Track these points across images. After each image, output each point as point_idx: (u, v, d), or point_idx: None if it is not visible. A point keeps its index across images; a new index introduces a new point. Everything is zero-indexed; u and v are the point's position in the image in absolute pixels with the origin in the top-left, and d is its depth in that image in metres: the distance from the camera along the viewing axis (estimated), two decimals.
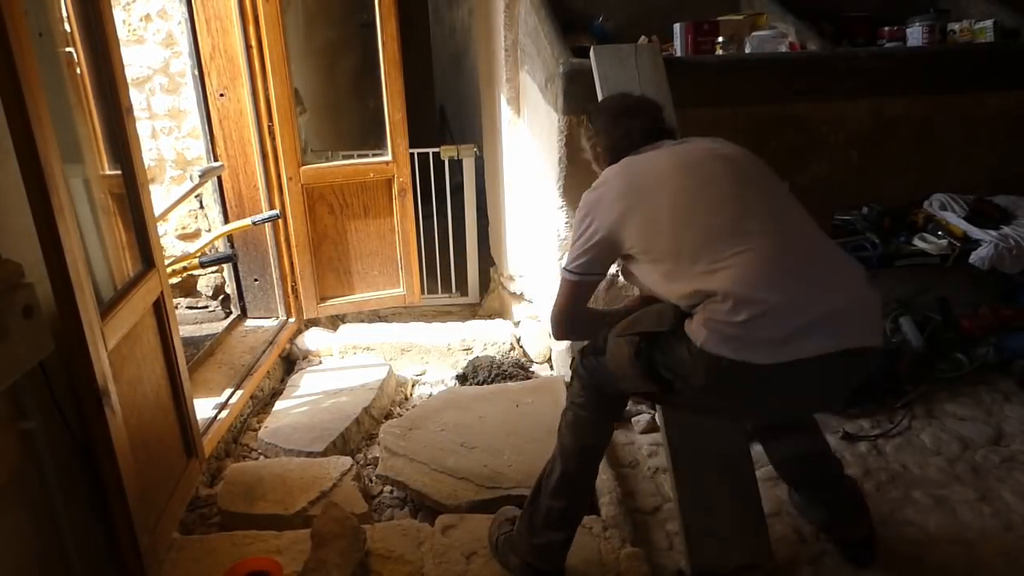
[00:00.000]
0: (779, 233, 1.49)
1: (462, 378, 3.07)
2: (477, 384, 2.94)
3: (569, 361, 2.91)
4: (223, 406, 2.64)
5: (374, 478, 2.38)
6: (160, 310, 2.02)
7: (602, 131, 1.87)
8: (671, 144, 1.77)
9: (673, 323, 1.50)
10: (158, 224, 2.34)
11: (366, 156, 3.51)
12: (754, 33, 3.02)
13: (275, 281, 3.36)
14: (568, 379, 2.01)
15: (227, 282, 3.59)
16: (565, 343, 3.00)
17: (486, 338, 3.30)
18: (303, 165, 3.23)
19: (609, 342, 1.67)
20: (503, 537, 1.89)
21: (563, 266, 1.77)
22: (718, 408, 1.67)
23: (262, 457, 2.56)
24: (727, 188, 1.58)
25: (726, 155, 1.68)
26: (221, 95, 3.06)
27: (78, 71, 1.88)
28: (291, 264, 3.36)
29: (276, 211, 3.13)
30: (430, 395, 3.01)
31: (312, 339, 3.37)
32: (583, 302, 1.79)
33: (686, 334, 1.44)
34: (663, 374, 1.53)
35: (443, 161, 3.72)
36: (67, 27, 1.82)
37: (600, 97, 2.38)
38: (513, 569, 1.83)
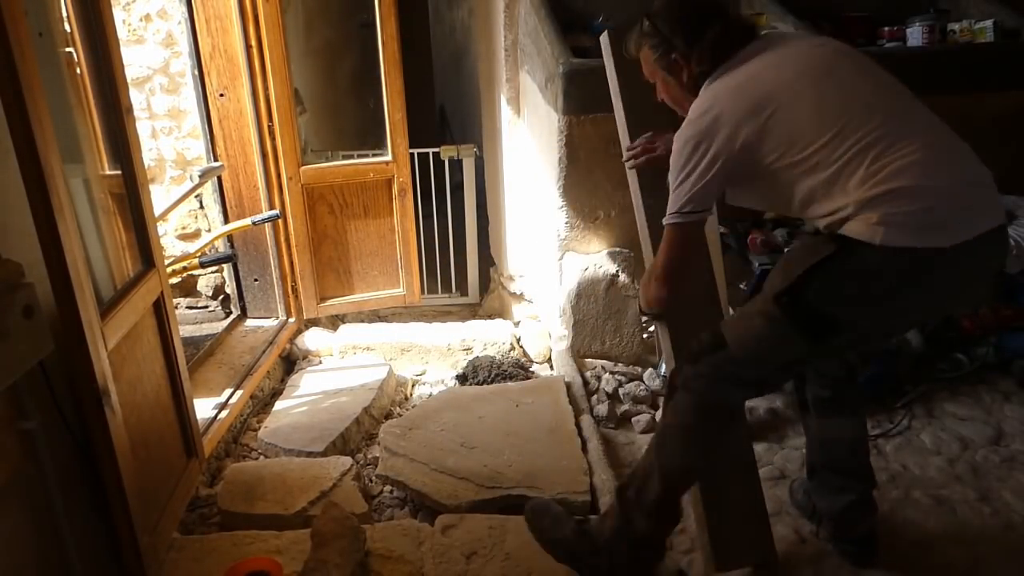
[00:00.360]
0: (921, 122, 1.55)
1: (462, 378, 3.07)
2: (477, 384, 2.94)
3: (569, 362, 2.91)
4: (223, 406, 2.64)
5: (374, 478, 2.38)
6: (160, 310, 2.02)
7: (684, 48, 1.62)
8: (769, 46, 1.60)
9: (831, 247, 1.46)
10: (158, 224, 2.34)
11: (366, 156, 3.51)
12: None
13: (275, 281, 3.36)
14: (664, 398, 1.87)
15: (227, 282, 3.59)
16: (564, 343, 3.00)
17: (486, 338, 3.30)
18: (303, 165, 3.23)
19: (730, 330, 1.61)
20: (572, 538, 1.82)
21: (670, 213, 1.60)
22: (890, 318, 1.57)
23: (262, 457, 2.56)
24: (864, 88, 1.57)
25: (842, 51, 1.62)
26: (221, 95, 3.06)
27: (78, 71, 1.88)
28: (291, 264, 3.36)
29: (276, 211, 3.13)
30: (430, 395, 3.01)
31: (312, 339, 3.37)
32: (697, 245, 1.66)
33: (853, 248, 1.42)
34: (827, 310, 1.49)
35: (443, 161, 3.72)
36: (67, 27, 1.82)
37: (614, 85, 2.20)
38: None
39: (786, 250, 1.91)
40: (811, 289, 1.49)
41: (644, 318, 1.89)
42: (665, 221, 1.63)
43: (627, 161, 2.10)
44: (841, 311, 1.51)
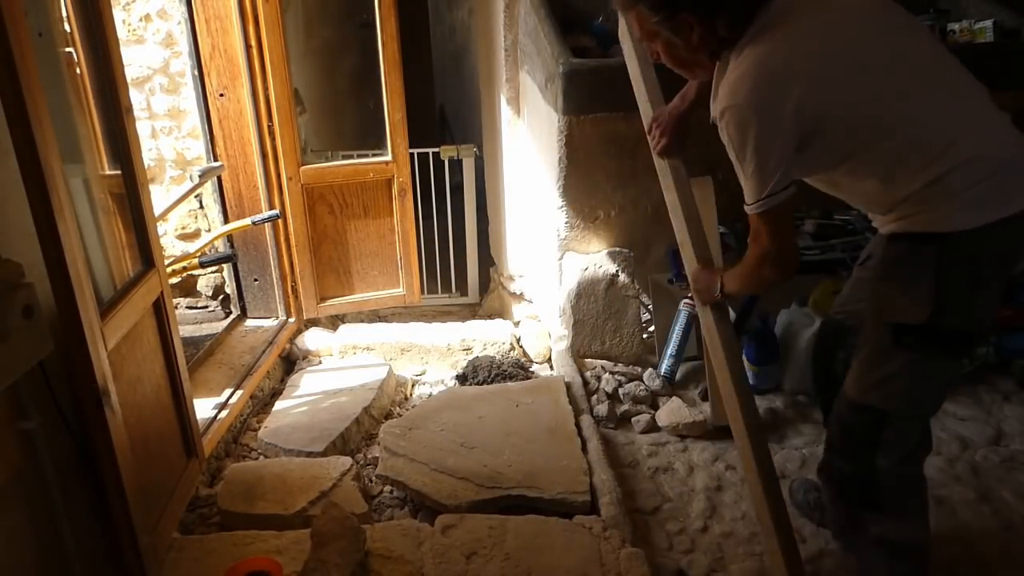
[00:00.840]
0: (967, 91, 1.44)
1: (462, 378, 3.07)
2: (477, 384, 2.94)
3: (569, 362, 2.91)
4: (223, 406, 2.64)
5: (374, 478, 2.38)
6: (160, 310, 2.02)
7: (700, 10, 1.43)
8: (796, 10, 1.43)
9: (929, 252, 1.38)
10: (158, 224, 2.34)
11: (366, 156, 3.51)
12: None
13: (275, 281, 3.36)
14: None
15: (227, 282, 3.59)
16: (564, 343, 3.00)
17: (486, 338, 3.30)
18: (303, 165, 3.23)
19: (880, 396, 1.50)
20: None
21: (757, 200, 1.45)
22: (996, 297, 1.49)
23: (262, 457, 2.56)
24: (922, 56, 1.45)
25: (890, 7, 1.48)
26: (221, 95, 3.06)
27: (78, 71, 1.88)
28: (291, 264, 3.36)
29: (276, 211, 3.13)
30: (430, 395, 3.01)
31: (312, 339, 3.37)
32: (792, 223, 1.51)
33: (950, 244, 1.36)
34: (968, 330, 1.43)
35: (443, 161, 3.72)
36: (67, 27, 1.82)
37: (634, 66, 2.00)
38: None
39: (859, 267, 1.82)
40: (947, 312, 1.39)
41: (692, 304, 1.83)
42: (754, 210, 1.47)
43: (655, 150, 1.98)
44: (975, 313, 1.43)
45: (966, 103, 1.43)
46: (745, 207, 1.50)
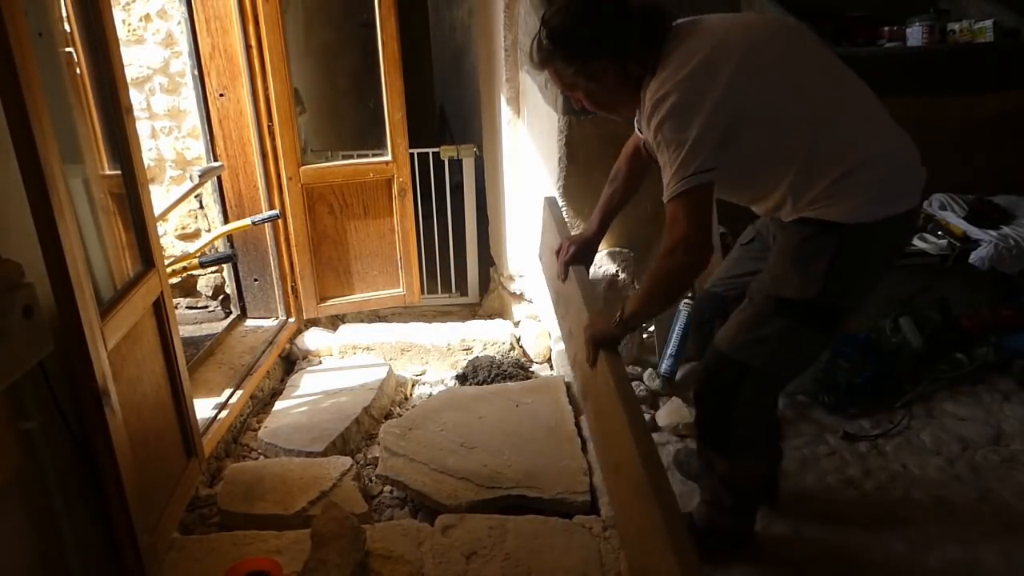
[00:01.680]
0: (865, 96, 1.57)
1: (462, 378, 3.07)
2: (477, 384, 2.94)
3: (569, 362, 2.91)
4: (223, 406, 2.64)
5: (374, 478, 2.38)
6: (160, 310, 2.02)
7: (608, 55, 1.52)
8: (703, 23, 1.54)
9: (831, 240, 1.50)
10: (158, 224, 2.34)
11: (366, 156, 3.50)
12: None
13: (275, 281, 3.36)
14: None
15: (227, 282, 3.59)
16: (563, 343, 3.00)
17: (486, 338, 3.30)
18: (303, 165, 3.23)
19: (747, 354, 1.61)
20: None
21: (677, 183, 1.47)
22: (874, 285, 1.62)
23: (262, 457, 2.56)
24: (822, 62, 1.57)
25: (785, 27, 1.63)
26: (221, 95, 3.06)
27: (78, 71, 1.88)
28: (291, 264, 3.36)
29: (276, 211, 3.13)
30: (430, 395, 3.01)
31: (312, 339, 3.37)
32: (711, 217, 1.54)
33: (850, 232, 1.48)
34: (840, 306, 1.57)
35: (443, 161, 3.72)
36: (67, 27, 1.82)
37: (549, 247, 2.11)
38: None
39: (745, 245, 1.93)
40: (828, 294, 1.53)
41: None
42: (676, 191, 1.48)
43: (557, 276, 2.10)
44: (853, 299, 1.59)
45: (865, 107, 1.56)
46: (664, 197, 1.52)
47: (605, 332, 1.73)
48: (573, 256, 2.00)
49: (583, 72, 1.56)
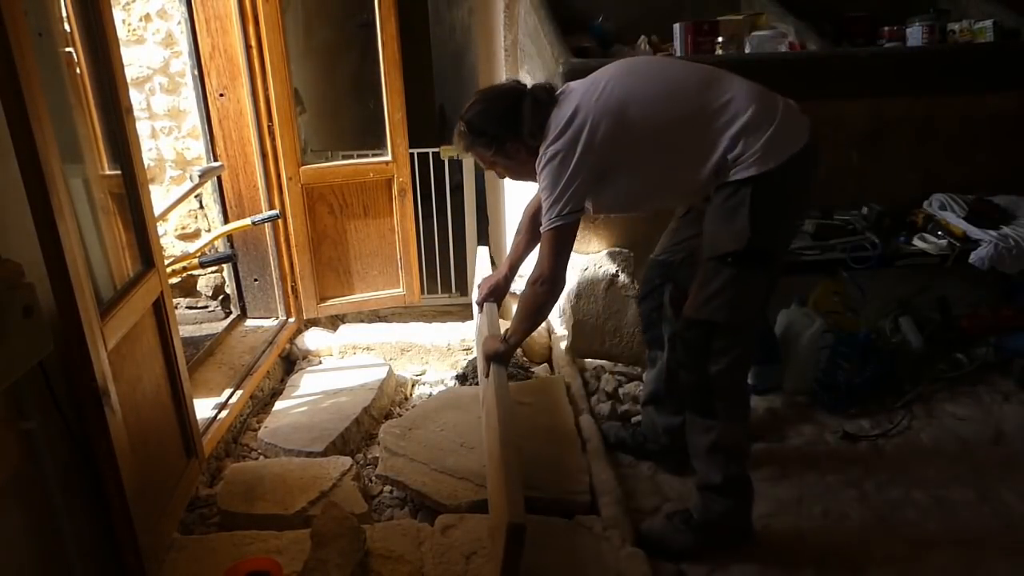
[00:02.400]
0: (739, 82, 1.85)
1: (462, 378, 3.06)
2: (477, 384, 2.94)
3: (569, 362, 2.91)
4: (223, 406, 2.64)
5: (374, 478, 2.37)
6: (160, 310, 2.02)
7: (513, 136, 1.90)
8: (579, 87, 1.89)
9: (744, 191, 1.73)
10: (158, 224, 2.34)
11: (366, 156, 3.51)
12: (754, 33, 3.02)
13: (275, 281, 3.36)
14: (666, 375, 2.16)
15: (227, 282, 3.59)
16: (564, 343, 3.00)
17: None
18: (303, 165, 3.22)
19: (711, 311, 1.81)
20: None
21: (552, 219, 1.82)
22: (797, 222, 1.94)
23: (262, 457, 2.56)
24: (686, 69, 1.92)
25: (647, 58, 2.05)
26: (221, 95, 3.06)
27: (78, 71, 1.88)
28: (291, 264, 3.36)
29: (276, 211, 3.13)
30: (430, 395, 3.01)
31: (312, 339, 3.37)
32: (571, 246, 1.90)
33: (759, 182, 1.72)
34: (771, 245, 1.80)
35: (443, 161, 3.72)
36: (67, 27, 1.82)
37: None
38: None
39: (682, 217, 2.18)
40: (757, 237, 1.74)
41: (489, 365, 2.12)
42: (547, 227, 1.83)
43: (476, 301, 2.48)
44: (780, 236, 1.84)
45: (734, 89, 1.82)
46: (541, 230, 1.86)
47: (494, 349, 2.07)
48: (485, 297, 2.40)
49: (500, 152, 1.94)
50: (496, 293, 2.41)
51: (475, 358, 3.14)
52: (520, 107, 1.88)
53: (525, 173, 1.98)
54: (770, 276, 1.88)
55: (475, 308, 2.55)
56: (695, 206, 2.05)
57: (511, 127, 1.88)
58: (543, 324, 3.31)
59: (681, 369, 1.96)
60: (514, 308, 3.59)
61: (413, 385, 3.14)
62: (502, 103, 1.91)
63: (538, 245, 1.96)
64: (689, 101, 1.80)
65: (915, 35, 3.08)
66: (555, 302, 1.96)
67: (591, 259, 2.90)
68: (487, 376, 2.09)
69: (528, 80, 3.11)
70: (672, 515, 2.04)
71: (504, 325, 2.25)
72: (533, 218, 2.22)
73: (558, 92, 1.92)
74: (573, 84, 1.92)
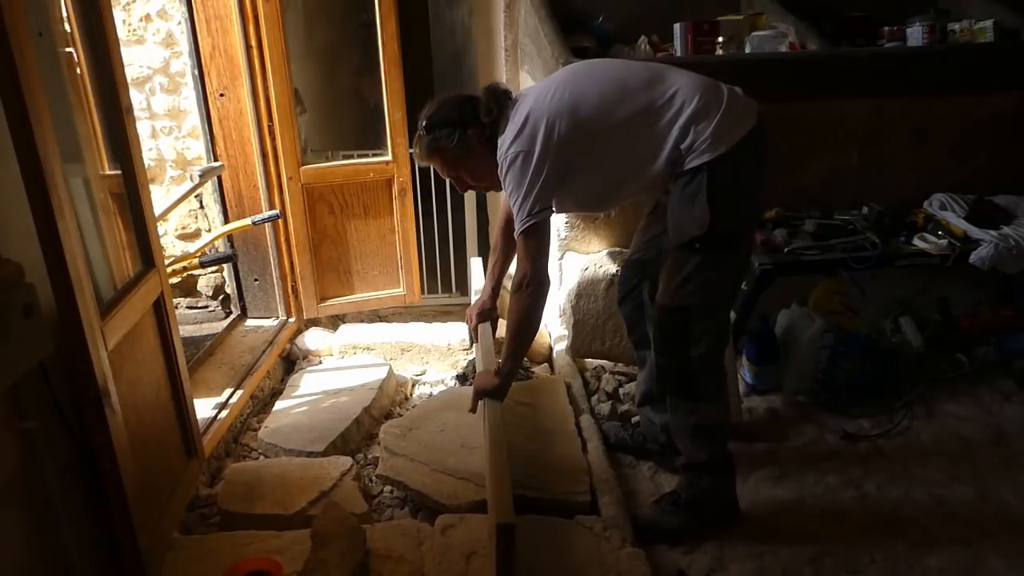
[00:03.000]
0: (687, 75, 1.90)
1: (462, 378, 3.06)
2: None
3: (569, 362, 2.91)
4: (223, 406, 2.64)
5: (374, 478, 2.37)
6: (160, 310, 2.02)
7: (471, 117, 1.92)
8: (532, 91, 1.93)
9: (700, 178, 1.78)
10: (158, 224, 2.34)
11: (366, 156, 3.50)
12: (754, 33, 3.02)
13: (275, 281, 3.36)
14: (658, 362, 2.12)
15: (227, 282, 3.59)
16: (564, 343, 3.00)
17: None
18: (303, 165, 3.22)
19: (683, 296, 1.86)
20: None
21: (523, 220, 1.83)
22: (755, 202, 1.96)
23: (262, 457, 2.56)
24: (634, 67, 1.97)
25: (594, 60, 2.04)
26: (221, 95, 3.06)
27: (78, 71, 1.88)
28: (291, 264, 3.36)
29: (276, 211, 3.13)
30: (430, 395, 3.01)
31: (312, 339, 3.37)
32: (549, 242, 1.91)
33: (713, 167, 1.78)
34: (734, 227, 1.84)
35: None
36: (67, 27, 1.82)
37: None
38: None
39: (650, 214, 2.23)
40: (719, 220, 1.78)
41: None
42: (520, 230, 1.85)
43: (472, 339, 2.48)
44: (741, 217, 1.87)
45: (681, 81, 1.86)
46: (515, 233, 1.88)
47: (485, 385, 2.03)
48: (476, 321, 2.41)
49: (462, 144, 1.94)
50: (484, 315, 2.42)
51: (475, 358, 3.14)
52: (476, 98, 1.93)
53: (487, 176, 1.98)
54: (738, 257, 1.94)
55: (469, 337, 2.57)
56: (660, 201, 2.08)
57: (470, 113, 1.92)
58: (542, 324, 3.31)
59: (661, 356, 2.01)
60: None
61: (413, 385, 3.14)
62: (458, 97, 1.97)
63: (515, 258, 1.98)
64: (637, 98, 1.83)
65: (915, 35, 3.08)
66: (544, 305, 1.95)
67: (591, 259, 2.90)
68: (472, 410, 2.10)
69: (528, 80, 3.12)
70: (659, 500, 2.11)
71: (502, 328, 2.23)
72: (506, 235, 2.27)
73: (516, 94, 1.97)
74: (527, 88, 1.97)
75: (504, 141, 1.87)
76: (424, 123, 1.99)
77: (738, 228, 1.88)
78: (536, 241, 1.86)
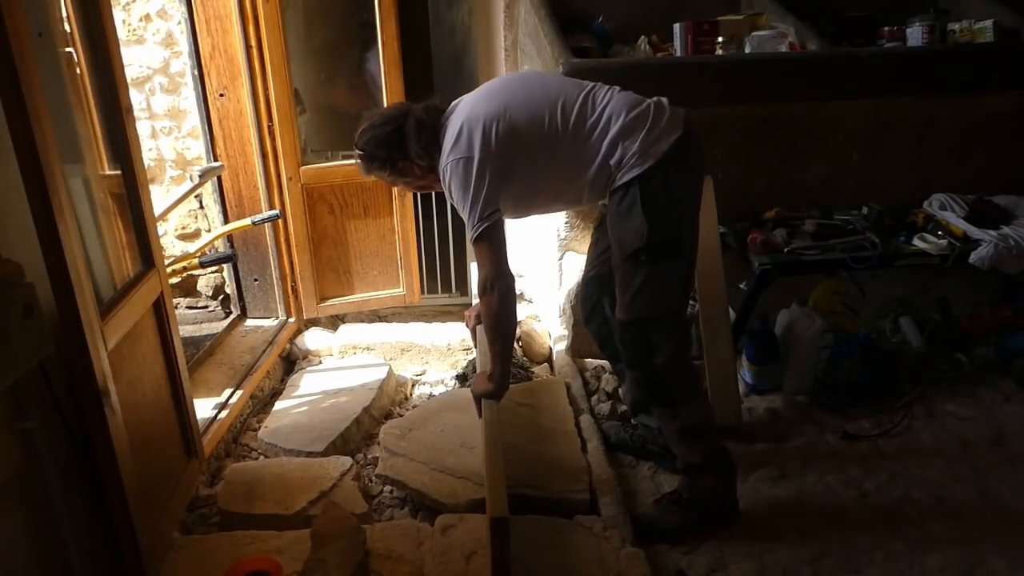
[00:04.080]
0: (605, 92, 1.94)
1: (462, 378, 3.06)
2: None
3: (568, 362, 2.91)
4: (223, 406, 2.64)
5: (374, 478, 2.38)
6: (160, 310, 2.02)
7: (402, 156, 1.95)
8: (462, 103, 1.96)
9: (633, 192, 1.84)
10: (158, 224, 2.34)
11: None
12: (754, 33, 3.03)
13: (275, 281, 3.36)
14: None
15: (227, 282, 3.59)
16: (564, 343, 3.00)
17: None
18: (303, 165, 3.22)
19: (639, 309, 1.91)
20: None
21: (475, 225, 1.84)
22: (693, 207, 1.98)
23: (262, 457, 2.56)
24: (552, 79, 2.06)
25: (516, 73, 2.09)
26: (221, 95, 3.06)
27: (78, 71, 1.88)
28: (291, 264, 3.36)
29: (276, 211, 3.13)
30: (430, 395, 3.01)
31: (312, 339, 3.37)
32: (505, 243, 1.93)
33: (644, 179, 1.83)
34: (674, 231, 1.88)
35: None
36: (67, 27, 1.82)
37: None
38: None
39: (598, 228, 2.27)
40: (656, 230, 1.84)
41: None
42: (474, 236, 1.86)
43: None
44: (679, 223, 1.91)
45: (616, 99, 1.91)
46: (468, 241, 1.90)
47: (482, 389, 2.04)
48: (475, 321, 2.38)
49: (395, 172, 2.00)
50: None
51: (475, 357, 3.14)
52: (404, 128, 1.94)
53: (427, 185, 2.07)
54: (684, 260, 1.97)
55: (471, 337, 2.58)
56: (603, 215, 2.11)
57: (397, 148, 1.95)
58: (543, 324, 3.31)
59: (630, 370, 2.07)
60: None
61: (413, 385, 3.14)
62: (385, 128, 1.96)
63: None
64: (568, 114, 1.87)
65: (915, 35, 3.08)
66: (514, 300, 1.96)
67: None
68: (478, 415, 2.10)
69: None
70: (660, 499, 2.12)
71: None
72: None
73: (449, 108, 1.99)
74: (463, 97, 1.99)
75: (443, 152, 1.90)
76: (358, 151, 2.01)
77: (678, 234, 1.91)
78: (491, 244, 1.88)
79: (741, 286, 2.70)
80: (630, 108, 1.87)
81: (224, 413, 2.60)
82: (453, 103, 2.00)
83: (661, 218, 1.84)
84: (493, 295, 1.91)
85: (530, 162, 1.90)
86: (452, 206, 3.74)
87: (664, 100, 1.93)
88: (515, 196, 1.94)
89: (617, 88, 1.95)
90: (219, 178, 3.18)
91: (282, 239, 3.30)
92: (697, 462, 2.02)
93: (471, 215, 1.85)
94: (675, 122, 1.89)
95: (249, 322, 3.41)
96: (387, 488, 2.35)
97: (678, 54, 3.01)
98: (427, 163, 1.96)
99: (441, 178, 1.92)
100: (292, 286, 3.39)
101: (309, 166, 3.25)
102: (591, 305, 2.29)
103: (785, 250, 2.61)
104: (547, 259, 3.12)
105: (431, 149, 1.94)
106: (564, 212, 2.90)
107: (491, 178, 1.84)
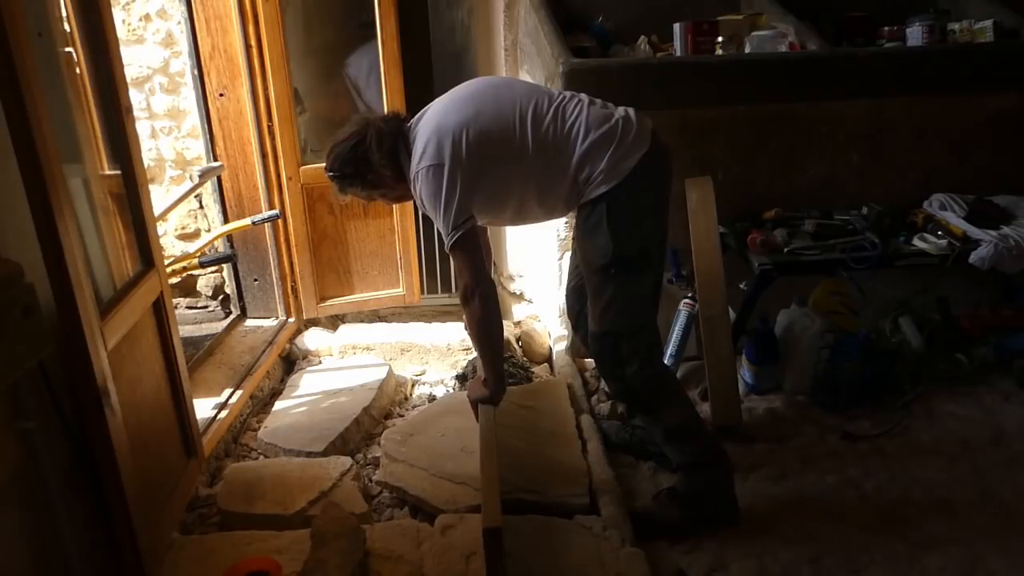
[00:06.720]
0: (585, 105, 1.93)
1: (462, 378, 3.06)
2: None
3: (569, 362, 2.91)
4: (223, 406, 2.64)
5: (374, 479, 2.37)
6: (160, 310, 2.02)
7: (369, 171, 1.95)
8: (428, 112, 1.96)
9: (600, 208, 1.85)
10: (158, 224, 2.34)
11: None
12: (754, 33, 3.03)
13: (275, 281, 3.36)
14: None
15: (227, 282, 3.59)
16: (564, 343, 3.00)
17: None
18: (303, 165, 3.22)
19: (609, 321, 1.92)
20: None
21: (450, 234, 1.84)
22: (660, 220, 1.98)
23: (262, 457, 2.56)
24: (519, 86, 2.01)
25: (484, 79, 2.07)
26: (221, 95, 3.06)
27: (78, 71, 1.88)
28: (291, 264, 3.36)
29: (276, 211, 3.13)
30: (430, 395, 3.01)
31: (312, 339, 3.37)
32: (480, 247, 1.93)
33: (612, 195, 1.85)
34: (640, 245, 1.90)
35: None
36: (67, 27, 1.82)
37: None
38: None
39: (573, 239, 2.23)
40: (623, 244, 1.85)
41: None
42: (450, 244, 1.86)
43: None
44: (647, 237, 1.92)
45: (585, 115, 1.90)
46: (446, 249, 1.89)
47: (477, 394, 2.08)
48: None
49: (367, 186, 2.00)
50: None
51: (475, 357, 3.14)
52: (365, 141, 1.94)
53: (402, 197, 2.07)
54: (652, 272, 2.00)
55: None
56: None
57: (363, 161, 1.95)
58: (543, 324, 3.31)
59: (605, 380, 2.07)
60: (513, 308, 3.60)
61: (413, 385, 3.14)
62: (347, 144, 1.97)
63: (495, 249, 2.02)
64: (540, 127, 1.87)
65: (915, 35, 3.08)
66: (497, 304, 1.95)
67: None
68: (477, 419, 2.11)
69: (527, 80, 3.12)
70: (657, 494, 2.13)
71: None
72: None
73: (418, 114, 1.99)
74: (433, 104, 1.99)
75: (413, 161, 1.89)
76: (329, 173, 2.02)
77: (645, 247, 1.93)
78: (468, 252, 1.87)
79: (741, 286, 2.70)
80: (599, 124, 1.87)
81: (224, 413, 2.60)
82: (423, 109, 1.99)
83: (627, 234, 1.86)
84: (475, 302, 1.91)
85: (500, 171, 1.89)
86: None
87: (632, 113, 1.93)
88: (485, 204, 1.94)
89: (586, 100, 1.94)
90: (219, 178, 3.18)
91: (282, 239, 3.30)
92: (688, 461, 2.05)
93: (444, 223, 1.84)
94: (642, 137, 1.89)
95: (249, 322, 3.41)
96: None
97: (678, 54, 3.01)
98: (392, 172, 1.96)
99: (412, 186, 1.92)
100: (292, 286, 3.39)
101: (309, 166, 3.25)
102: (575, 315, 2.30)
103: (785, 250, 2.61)
104: (547, 259, 3.12)
105: (397, 156, 1.94)
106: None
107: (462, 185, 1.83)
